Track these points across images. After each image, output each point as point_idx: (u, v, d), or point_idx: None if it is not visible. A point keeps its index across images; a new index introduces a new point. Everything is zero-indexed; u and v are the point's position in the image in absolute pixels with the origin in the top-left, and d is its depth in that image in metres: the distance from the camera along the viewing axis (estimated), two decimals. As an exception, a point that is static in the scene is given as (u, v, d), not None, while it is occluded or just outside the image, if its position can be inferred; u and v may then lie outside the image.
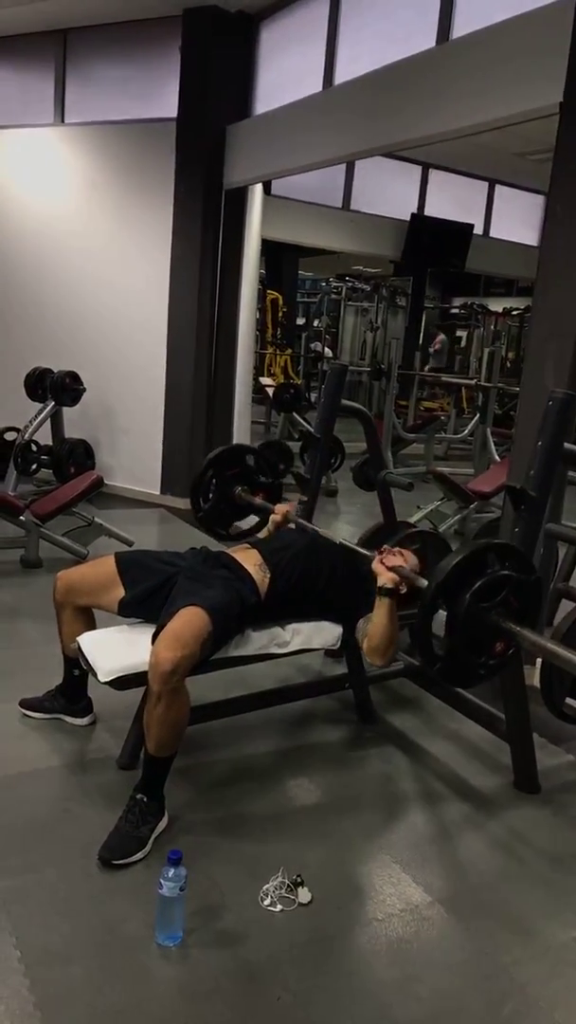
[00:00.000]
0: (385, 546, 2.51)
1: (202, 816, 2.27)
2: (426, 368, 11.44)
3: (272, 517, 2.92)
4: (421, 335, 12.26)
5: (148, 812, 2.12)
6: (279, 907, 1.94)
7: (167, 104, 5.55)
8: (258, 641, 2.39)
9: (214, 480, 3.18)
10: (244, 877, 2.03)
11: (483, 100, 3.49)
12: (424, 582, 2.17)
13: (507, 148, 6.84)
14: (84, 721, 2.69)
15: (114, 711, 2.67)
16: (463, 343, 14.12)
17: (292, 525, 2.90)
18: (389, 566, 2.34)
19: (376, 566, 2.37)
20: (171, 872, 1.76)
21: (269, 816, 2.32)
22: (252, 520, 3.32)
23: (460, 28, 3.82)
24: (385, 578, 2.32)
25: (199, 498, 3.17)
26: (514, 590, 2.03)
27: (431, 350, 12.55)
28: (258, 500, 3.17)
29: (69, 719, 2.69)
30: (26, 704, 2.73)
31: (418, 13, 4.04)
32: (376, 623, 2.33)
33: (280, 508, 2.92)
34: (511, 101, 3.36)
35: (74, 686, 2.65)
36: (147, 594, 2.35)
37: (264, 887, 1.98)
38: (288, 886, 1.99)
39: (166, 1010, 1.66)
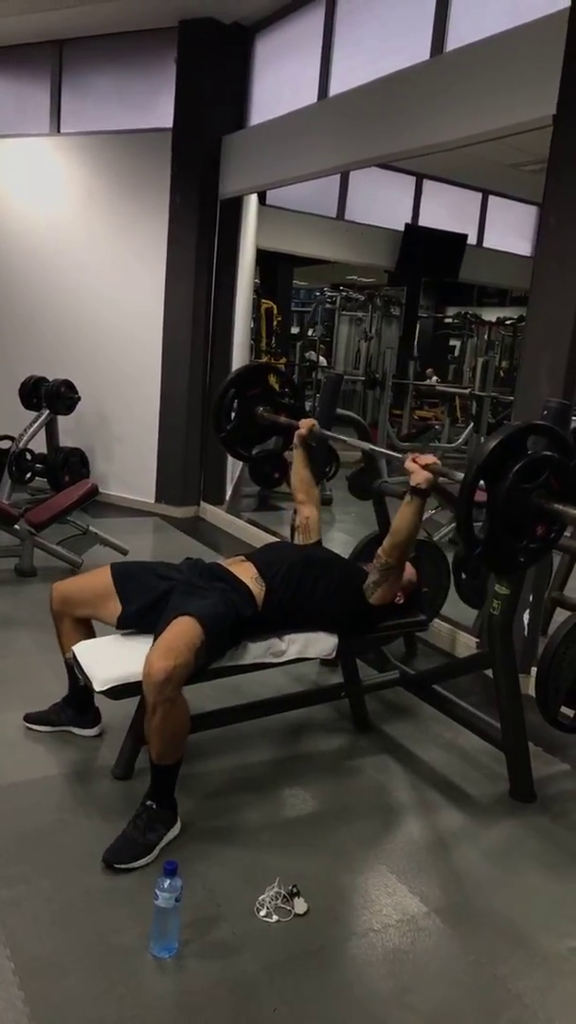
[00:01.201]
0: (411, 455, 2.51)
1: (198, 826, 2.26)
2: (427, 373, 11.52)
3: (297, 432, 2.92)
4: (415, 345, 12.29)
5: (156, 819, 2.12)
6: (275, 918, 1.93)
7: (163, 114, 5.57)
8: (254, 651, 2.39)
9: (236, 400, 3.13)
10: (240, 887, 2.02)
11: (477, 112, 3.52)
12: (460, 476, 2.13)
13: (501, 159, 6.89)
14: (92, 732, 2.67)
15: (114, 721, 2.66)
16: (457, 352, 14.16)
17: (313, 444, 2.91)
18: (423, 464, 2.35)
19: (409, 464, 2.38)
20: (167, 883, 1.75)
21: (265, 826, 2.31)
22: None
23: (454, 41, 3.85)
24: (420, 477, 2.34)
25: (221, 418, 3.13)
26: (556, 471, 2.00)
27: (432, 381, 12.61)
28: (282, 418, 3.13)
29: (77, 730, 2.67)
30: (31, 718, 2.69)
31: (412, 26, 4.08)
32: (401, 517, 2.38)
33: (305, 423, 2.92)
34: (505, 113, 3.38)
35: (80, 696, 2.63)
36: (144, 607, 2.34)
37: (260, 897, 1.98)
38: (284, 896, 1.98)
39: (161, 1022, 1.65)
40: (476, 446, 1.99)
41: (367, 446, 2.87)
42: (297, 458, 2.95)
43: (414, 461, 2.38)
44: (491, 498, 1.95)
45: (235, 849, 2.19)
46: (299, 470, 2.95)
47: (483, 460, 1.92)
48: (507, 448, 1.96)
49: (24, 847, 2.12)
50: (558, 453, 2.01)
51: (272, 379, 3.22)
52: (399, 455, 2.56)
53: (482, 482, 1.99)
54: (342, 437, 3.05)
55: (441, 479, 2.38)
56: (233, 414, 3.14)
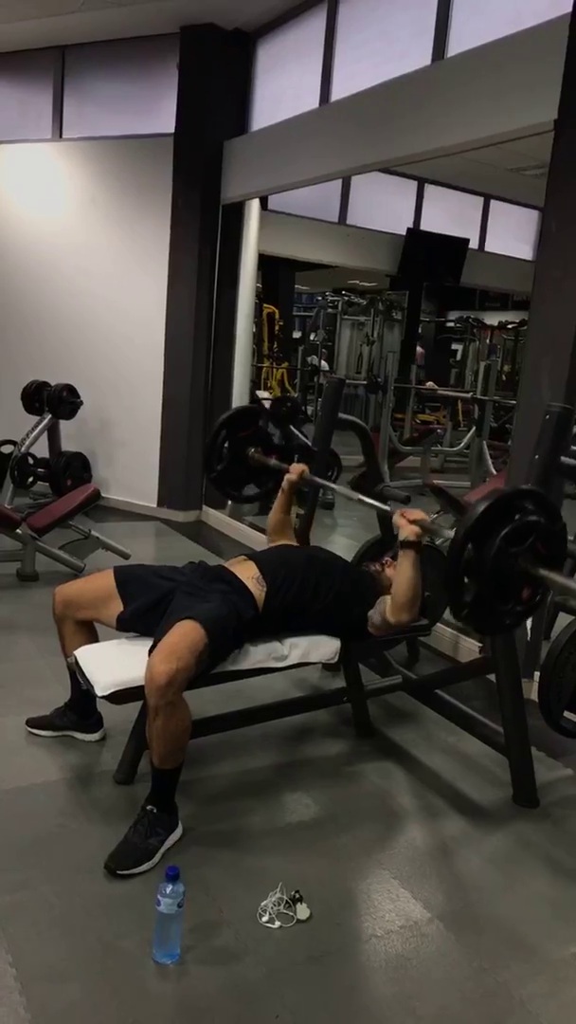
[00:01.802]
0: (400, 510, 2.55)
1: (200, 831, 2.26)
2: (426, 385, 11.52)
3: (287, 477, 2.91)
4: (416, 354, 12.30)
5: (157, 823, 2.12)
6: (277, 923, 1.93)
7: (165, 120, 5.59)
8: (256, 655, 2.39)
9: (227, 441, 3.14)
10: (242, 893, 2.02)
11: (478, 117, 3.52)
12: (449, 534, 2.17)
13: (502, 164, 6.91)
14: (95, 736, 2.67)
15: (116, 726, 2.66)
16: (459, 357, 14.17)
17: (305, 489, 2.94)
18: (410, 519, 2.40)
19: (397, 519, 2.43)
20: (169, 888, 1.74)
21: (267, 831, 2.31)
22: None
23: (455, 46, 3.86)
24: (407, 531, 2.38)
25: (212, 459, 3.14)
26: (542, 536, 2.03)
27: (418, 364, 12.60)
28: (272, 461, 3.15)
29: (80, 735, 2.66)
30: (34, 723, 2.69)
31: (414, 31, 4.09)
32: (401, 575, 2.40)
33: (295, 468, 2.90)
34: (506, 118, 3.39)
35: (83, 700, 2.63)
36: (145, 609, 2.34)
37: (262, 903, 1.97)
38: (287, 902, 1.98)
39: (164, 1029, 1.65)
40: (467, 514, 2.02)
41: (355, 496, 2.85)
42: (279, 501, 2.93)
43: (402, 516, 2.43)
44: (478, 561, 1.97)
45: (237, 854, 2.18)
46: (277, 512, 2.93)
47: (471, 524, 1.95)
48: (497, 513, 1.99)
49: (26, 852, 2.12)
50: (544, 518, 2.04)
51: (263, 421, 3.26)
52: (387, 508, 2.62)
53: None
54: (332, 485, 3.07)
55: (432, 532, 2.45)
56: (225, 453, 3.17)
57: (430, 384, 12.00)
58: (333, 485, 3.07)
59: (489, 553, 1.97)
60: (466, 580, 2.02)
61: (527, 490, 2.12)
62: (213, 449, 3.12)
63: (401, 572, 2.41)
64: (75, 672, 2.42)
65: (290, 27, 5.15)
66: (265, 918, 1.94)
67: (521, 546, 2.00)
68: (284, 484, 2.91)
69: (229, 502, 5.86)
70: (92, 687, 2.22)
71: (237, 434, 3.14)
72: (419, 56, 4.02)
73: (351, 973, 1.83)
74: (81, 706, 2.64)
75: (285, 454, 3.19)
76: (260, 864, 2.15)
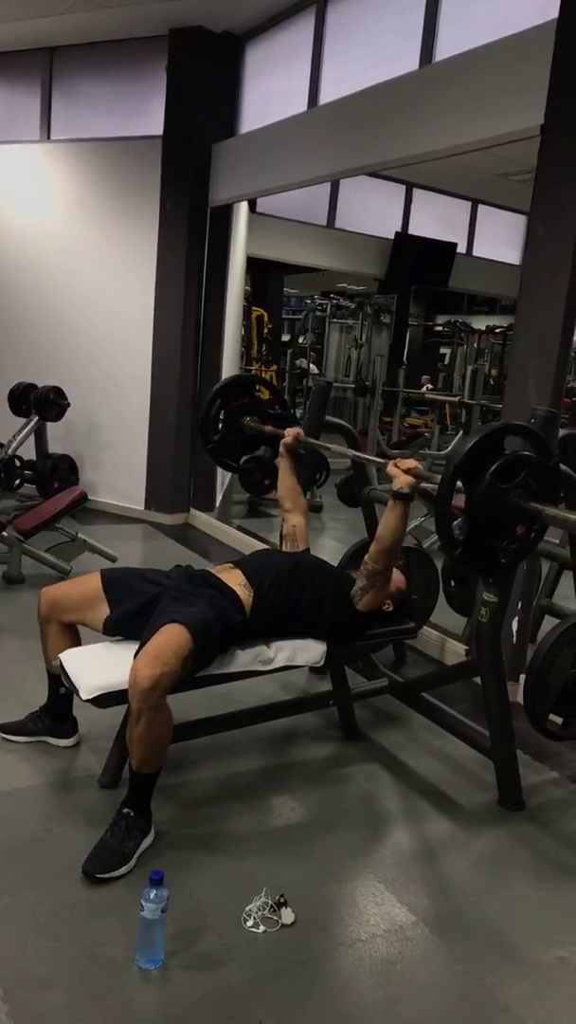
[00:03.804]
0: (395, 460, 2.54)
1: (184, 835, 2.25)
2: (423, 387, 11.58)
3: (283, 441, 2.92)
4: (405, 352, 12.32)
5: (134, 827, 2.10)
6: (262, 928, 1.92)
7: (153, 122, 5.58)
8: (242, 659, 2.38)
9: (222, 411, 3.14)
10: (227, 897, 2.01)
11: (465, 122, 3.54)
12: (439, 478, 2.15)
13: (490, 169, 6.94)
14: (69, 742, 2.65)
15: (97, 730, 2.65)
16: (447, 360, 14.21)
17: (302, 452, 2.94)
18: (405, 468, 2.38)
19: (391, 469, 2.41)
20: (152, 893, 1.73)
21: (252, 835, 2.30)
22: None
23: (443, 51, 3.88)
24: (402, 481, 2.36)
25: (208, 429, 3.13)
26: (533, 471, 2.00)
27: (426, 388, 12.66)
28: (268, 428, 3.14)
29: (54, 740, 2.64)
30: (7, 728, 2.66)
31: (402, 36, 4.10)
32: (386, 523, 2.40)
33: (291, 431, 2.93)
34: (493, 123, 3.40)
35: (60, 705, 2.61)
36: (131, 613, 2.33)
37: (247, 908, 1.96)
38: (271, 907, 1.97)
39: (147, 1035, 1.64)
40: (454, 449, 1.98)
41: (351, 452, 2.90)
42: (283, 467, 2.96)
43: (396, 466, 2.42)
44: (469, 499, 1.94)
45: (222, 858, 2.18)
46: (285, 479, 2.96)
47: (460, 460, 1.91)
48: (484, 448, 1.95)
49: (8, 858, 2.10)
50: (536, 453, 2.01)
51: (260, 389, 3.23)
52: (382, 460, 2.60)
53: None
54: (327, 445, 3.07)
55: (425, 484, 2.40)
56: (220, 425, 3.14)
57: (426, 380, 12.02)
58: (329, 445, 3.05)
59: (480, 490, 1.93)
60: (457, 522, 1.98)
61: (516, 425, 2.08)
62: (208, 419, 3.11)
63: (387, 520, 2.41)
64: (58, 674, 2.40)
65: (279, 31, 5.16)
66: (250, 923, 1.93)
67: (512, 481, 1.97)
68: (281, 448, 2.94)
69: (217, 505, 5.85)
70: (76, 691, 2.21)
71: (231, 404, 3.13)
72: (407, 61, 4.04)
73: (336, 978, 1.82)
74: (57, 710, 2.62)
75: (280, 422, 3.18)
76: (245, 868, 2.14)
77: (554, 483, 2.04)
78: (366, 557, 2.50)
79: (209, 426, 3.11)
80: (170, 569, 2.55)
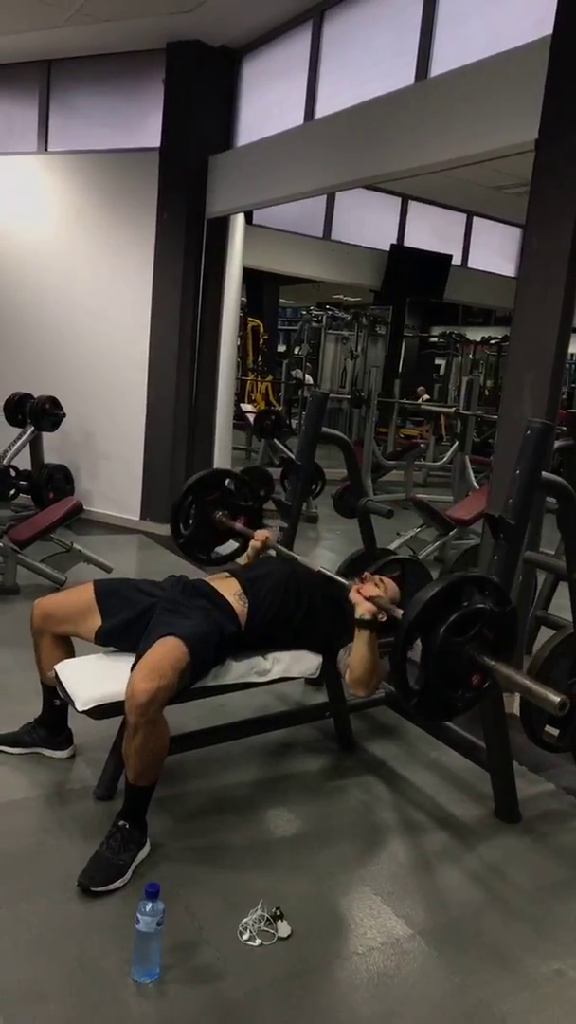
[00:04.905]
0: (366, 573, 2.51)
1: (180, 847, 2.24)
2: (421, 398, 11.61)
3: (252, 543, 2.91)
4: (401, 364, 12.38)
5: (130, 839, 2.10)
6: (258, 941, 1.91)
7: (150, 134, 5.62)
8: (238, 670, 2.38)
9: (194, 505, 3.17)
10: (223, 910, 2.00)
11: (460, 136, 3.57)
12: (400, 612, 2.15)
13: (485, 182, 6.98)
14: (64, 754, 2.64)
15: (92, 741, 2.64)
16: (442, 371, 14.28)
17: (272, 552, 2.90)
18: (367, 596, 2.32)
19: (353, 595, 2.34)
20: (148, 906, 1.73)
21: (248, 847, 2.29)
22: (232, 546, 3.32)
23: (439, 66, 3.91)
24: (363, 609, 2.30)
25: (179, 524, 3.17)
26: (488, 623, 2.02)
27: (423, 398, 12.70)
28: (238, 525, 3.17)
29: (49, 752, 2.63)
30: (2, 740, 2.64)
31: (397, 51, 4.14)
32: (356, 654, 2.31)
33: (260, 534, 2.91)
34: (488, 138, 3.43)
35: (54, 716, 2.60)
36: (124, 624, 2.33)
37: (243, 920, 1.95)
38: (267, 919, 1.96)
39: (142, 1049, 1.62)
40: (413, 601, 2.00)
41: (315, 567, 2.77)
42: (249, 552, 2.94)
43: (358, 592, 2.34)
44: (425, 651, 1.96)
45: (218, 871, 2.17)
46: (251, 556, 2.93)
47: (414, 617, 1.93)
48: (442, 602, 1.97)
49: (3, 871, 2.09)
50: (493, 604, 2.03)
51: (229, 483, 3.26)
52: (345, 583, 2.45)
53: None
54: (296, 556, 2.88)
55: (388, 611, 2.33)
56: (191, 520, 3.19)
57: (422, 391, 12.06)
58: (294, 554, 2.92)
59: (435, 644, 1.94)
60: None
61: (474, 576, 2.11)
62: (179, 513, 3.15)
63: (356, 651, 2.30)
64: (52, 686, 2.39)
65: (275, 45, 5.20)
66: (246, 936, 1.92)
67: (467, 634, 2.00)
68: (249, 550, 2.93)
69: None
70: (72, 702, 2.20)
71: (203, 498, 3.17)
72: (402, 75, 4.07)
73: (332, 991, 1.81)
74: (51, 721, 2.61)
75: (251, 515, 3.21)
76: (241, 881, 2.13)
77: (510, 631, 2.07)
78: (345, 678, 2.40)
79: (181, 519, 3.15)
80: (164, 579, 2.55)
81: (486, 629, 2.01)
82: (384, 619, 2.30)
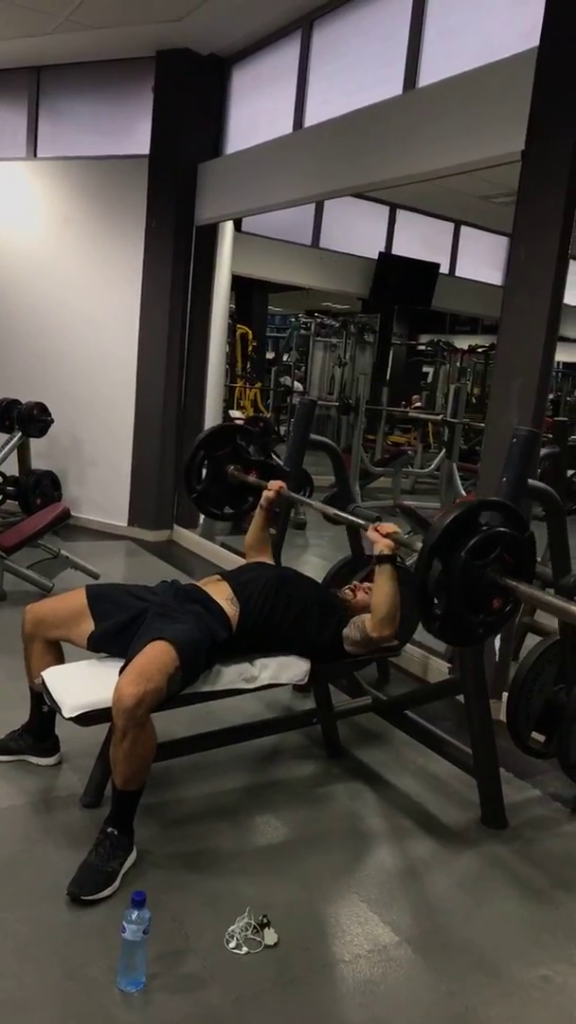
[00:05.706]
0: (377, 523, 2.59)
1: (167, 854, 2.23)
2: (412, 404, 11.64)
3: (265, 493, 2.93)
4: (388, 371, 12.40)
5: (118, 846, 2.09)
6: (245, 949, 1.91)
7: (140, 141, 5.62)
8: (227, 676, 2.37)
9: (205, 461, 3.16)
10: (209, 918, 2.00)
11: (448, 146, 3.59)
12: (419, 545, 2.17)
13: (472, 191, 7.04)
14: (51, 761, 2.62)
15: (79, 748, 2.62)
16: (430, 379, 14.32)
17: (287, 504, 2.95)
18: (384, 533, 2.46)
19: (371, 534, 2.49)
20: (134, 914, 1.72)
21: (235, 854, 2.29)
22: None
23: (427, 76, 3.94)
24: (382, 544, 2.44)
25: (191, 480, 3.16)
26: (508, 546, 2.04)
27: (415, 405, 12.73)
28: (251, 478, 3.16)
29: (35, 759, 2.61)
30: None
31: (386, 61, 4.16)
32: (379, 591, 2.43)
33: (274, 484, 2.93)
34: (475, 148, 3.46)
35: (42, 723, 2.58)
36: (117, 629, 2.32)
37: (230, 928, 1.95)
38: (254, 927, 1.96)
39: (128, 1059, 1.61)
40: (432, 526, 2.02)
41: (331, 511, 2.90)
42: (257, 520, 2.96)
43: (376, 530, 2.49)
44: (446, 575, 1.98)
45: (204, 879, 2.16)
46: (256, 532, 2.96)
47: (435, 540, 1.96)
48: (460, 525, 2.00)
49: (-11, 878, 2.07)
50: (511, 528, 2.05)
51: (240, 438, 3.27)
52: (362, 523, 2.67)
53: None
54: (308, 501, 3.13)
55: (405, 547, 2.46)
56: (203, 474, 3.18)
57: (415, 400, 12.09)
58: (310, 501, 3.10)
59: (456, 567, 1.98)
60: (435, 600, 2.02)
61: (491, 501, 2.13)
62: (192, 469, 3.14)
63: (379, 587, 2.44)
64: (39, 693, 2.38)
65: (265, 53, 5.22)
66: (232, 944, 1.91)
67: (487, 557, 2.01)
68: (262, 500, 2.94)
69: (200, 522, 5.85)
70: (59, 709, 2.19)
71: (215, 453, 3.16)
72: (391, 85, 4.10)
73: (319, 999, 1.81)
74: (38, 728, 2.59)
75: (263, 470, 3.20)
76: (228, 888, 2.13)
77: (529, 555, 2.09)
78: (368, 630, 2.47)
79: (193, 475, 3.15)
80: (156, 584, 2.55)
81: (506, 553, 2.03)
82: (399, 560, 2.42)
